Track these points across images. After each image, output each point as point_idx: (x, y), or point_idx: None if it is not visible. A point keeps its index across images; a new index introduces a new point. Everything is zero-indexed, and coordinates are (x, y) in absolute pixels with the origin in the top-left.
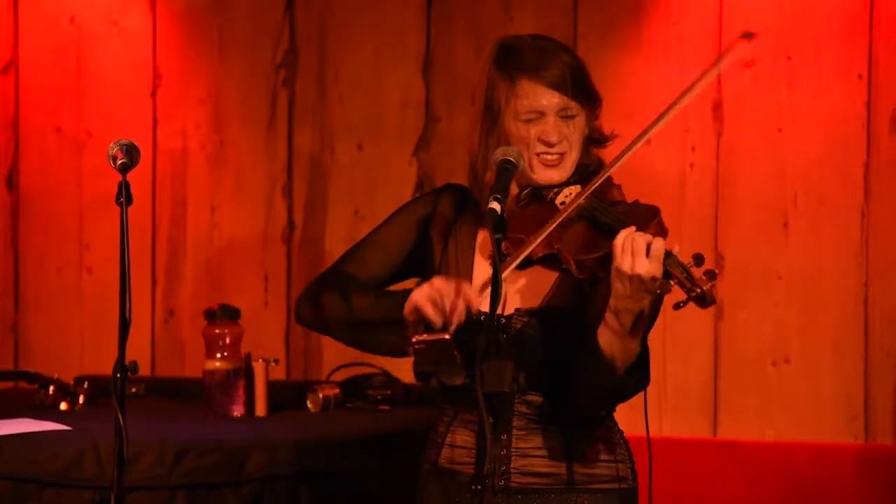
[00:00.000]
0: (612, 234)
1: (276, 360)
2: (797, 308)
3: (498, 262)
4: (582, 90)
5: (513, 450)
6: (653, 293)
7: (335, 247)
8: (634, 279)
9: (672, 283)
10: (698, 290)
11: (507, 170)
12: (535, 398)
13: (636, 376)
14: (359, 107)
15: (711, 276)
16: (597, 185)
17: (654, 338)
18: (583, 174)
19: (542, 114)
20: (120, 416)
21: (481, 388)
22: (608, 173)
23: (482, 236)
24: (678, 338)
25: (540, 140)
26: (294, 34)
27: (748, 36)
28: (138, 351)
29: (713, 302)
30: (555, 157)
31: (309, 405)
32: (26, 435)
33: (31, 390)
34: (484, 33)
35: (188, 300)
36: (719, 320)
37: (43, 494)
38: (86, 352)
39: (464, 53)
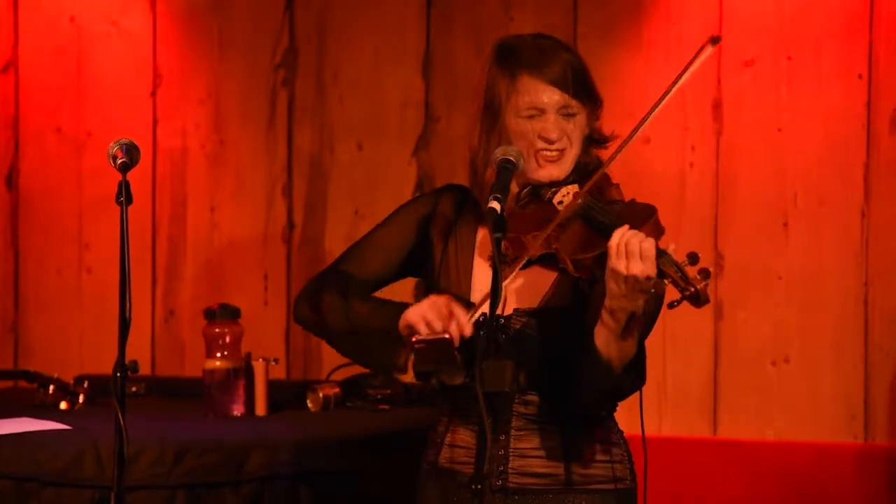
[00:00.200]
0: (609, 234)
1: (276, 360)
2: (797, 308)
3: (498, 262)
4: (583, 88)
5: (510, 450)
6: (647, 293)
7: (335, 246)
8: (629, 279)
9: (666, 282)
10: (692, 290)
11: (507, 169)
12: (533, 398)
13: (633, 375)
14: (358, 106)
15: (706, 274)
16: (592, 184)
17: (653, 337)
18: (582, 173)
19: (542, 111)
20: (120, 415)
21: (481, 388)
22: (600, 174)
23: (482, 235)
24: (678, 337)
25: (540, 137)
26: (294, 34)
27: (715, 41)
28: (138, 350)
29: (707, 301)
30: (555, 153)
31: (309, 404)
32: (26, 434)
33: (31, 390)
34: (484, 33)
35: (188, 300)
36: (719, 320)
37: (43, 494)
38: (86, 351)
39: (464, 53)
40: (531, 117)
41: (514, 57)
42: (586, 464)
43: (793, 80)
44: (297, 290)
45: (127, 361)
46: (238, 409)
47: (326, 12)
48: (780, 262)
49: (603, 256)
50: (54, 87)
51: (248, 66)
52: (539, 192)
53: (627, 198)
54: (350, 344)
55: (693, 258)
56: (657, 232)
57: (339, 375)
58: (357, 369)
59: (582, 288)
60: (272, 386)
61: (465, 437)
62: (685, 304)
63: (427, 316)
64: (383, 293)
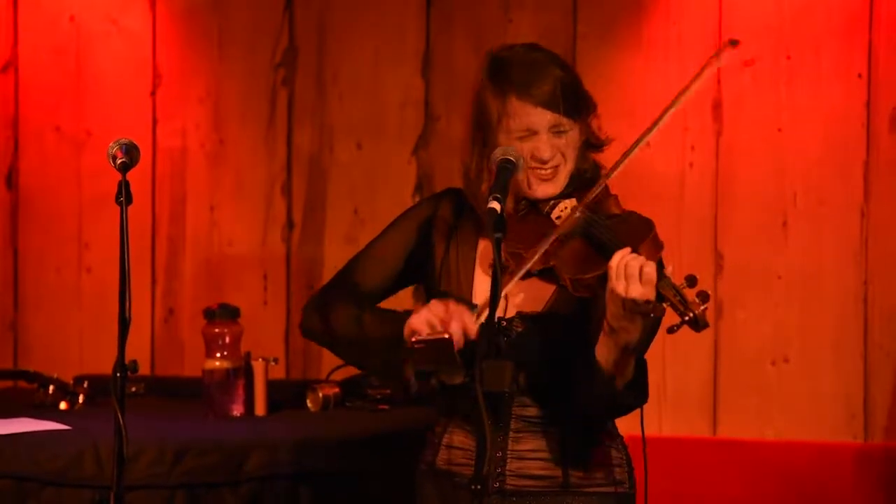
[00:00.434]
0: (608, 254)
1: (275, 360)
2: (797, 307)
3: (498, 262)
4: (574, 105)
5: (509, 452)
6: (646, 315)
7: (334, 246)
8: (628, 302)
9: (665, 306)
10: (691, 315)
11: (507, 169)
12: (533, 401)
13: (635, 391)
14: (358, 106)
15: (704, 298)
16: (590, 199)
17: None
18: (580, 182)
19: (534, 132)
20: (119, 415)
21: (481, 388)
22: (600, 188)
23: (482, 247)
24: (678, 337)
25: (533, 157)
26: (293, 33)
27: (734, 44)
28: (138, 350)
29: (706, 325)
30: (549, 171)
31: (308, 404)
32: (26, 434)
33: (30, 389)
34: (483, 33)
35: (188, 299)
36: (719, 320)
37: (42, 494)
38: (85, 351)
39: (463, 53)
40: (522, 138)
41: (505, 76)
42: (585, 466)
43: (792, 79)
44: (297, 289)
45: (126, 361)
46: (237, 409)
47: (326, 12)
48: (779, 261)
49: (602, 277)
50: (54, 87)
51: (248, 65)
52: (537, 206)
53: (626, 201)
54: (360, 354)
55: (691, 281)
56: (656, 248)
57: (339, 375)
58: (357, 369)
59: (584, 298)
60: (272, 386)
61: (462, 438)
62: (683, 328)
63: (430, 319)
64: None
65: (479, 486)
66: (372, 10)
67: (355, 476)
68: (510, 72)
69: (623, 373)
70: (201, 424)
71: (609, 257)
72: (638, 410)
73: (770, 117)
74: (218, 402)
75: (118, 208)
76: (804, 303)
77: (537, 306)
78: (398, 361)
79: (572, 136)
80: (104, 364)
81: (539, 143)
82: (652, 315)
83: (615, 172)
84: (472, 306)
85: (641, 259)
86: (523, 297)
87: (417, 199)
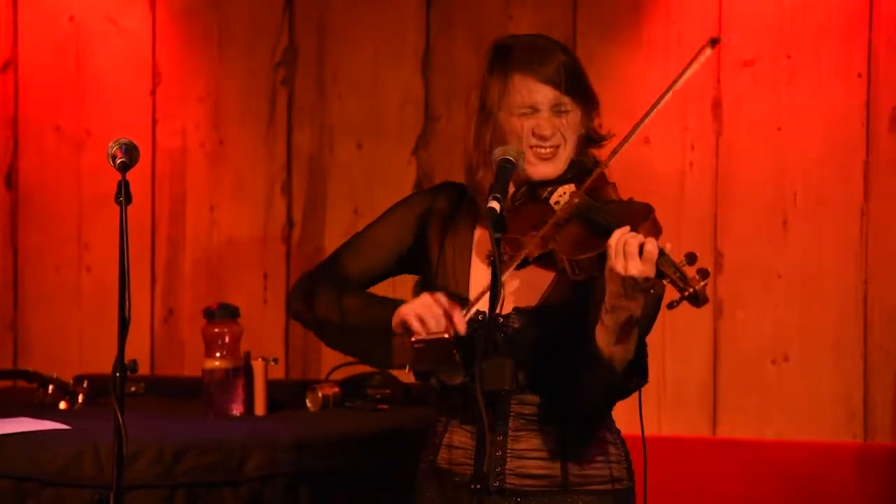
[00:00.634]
0: (606, 235)
1: (275, 359)
2: (797, 307)
3: (498, 262)
4: (576, 87)
5: (508, 451)
6: (646, 292)
7: (334, 245)
8: (628, 280)
9: (665, 282)
10: (691, 290)
11: (507, 168)
12: (532, 398)
13: (634, 374)
14: (358, 106)
15: (704, 274)
16: (589, 183)
17: (653, 336)
18: (578, 172)
19: (535, 109)
20: (119, 414)
21: (481, 387)
22: (597, 174)
23: (478, 235)
24: (678, 336)
25: (534, 134)
26: (293, 33)
27: (714, 42)
28: (137, 350)
29: (706, 300)
30: (548, 150)
31: (308, 404)
32: (25, 434)
33: (30, 389)
34: (483, 32)
35: (187, 299)
36: (719, 319)
37: (42, 493)
38: (85, 350)
39: (463, 52)
40: (524, 115)
41: (508, 56)
42: (584, 465)
43: (792, 79)
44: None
45: (126, 361)
46: (237, 409)
47: (326, 12)
48: (779, 261)
49: (601, 257)
50: (54, 86)
51: (248, 65)
52: (536, 192)
53: (625, 197)
54: (342, 339)
55: (691, 258)
56: (655, 231)
57: (339, 375)
58: (356, 369)
59: (581, 286)
60: (271, 385)
61: (462, 437)
62: (685, 304)
63: (420, 313)
64: (384, 290)
65: (478, 486)
66: (372, 10)
67: (355, 476)
68: (514, 53)
69: (623, 354)
70: (201, 424)
71: (607, 238)
72: (637, 409)
73: (770, 117)
74: (218, 402)
75: (118, 208)
76: (804, 302)
77: (533, 298)
78: (387, 349)
79: (573, 117)
80: (104, 364)
81: (540, 121)
82: (652, 292)
83: (613, 158)
84: (465, 303)
85: (640, 236)
86: (519, 285)
87: None
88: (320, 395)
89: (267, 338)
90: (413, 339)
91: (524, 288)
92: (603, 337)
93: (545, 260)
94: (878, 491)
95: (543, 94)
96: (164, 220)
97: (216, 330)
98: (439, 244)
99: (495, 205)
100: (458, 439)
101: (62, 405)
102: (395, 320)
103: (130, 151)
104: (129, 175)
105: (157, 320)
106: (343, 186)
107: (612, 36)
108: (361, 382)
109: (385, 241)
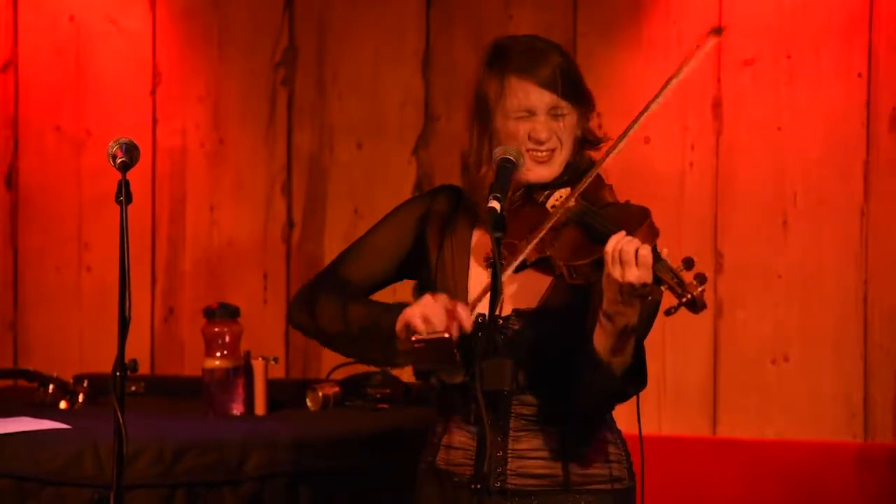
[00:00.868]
0: (603, 240)
1: (275, 359)
2: (797, 307)
3: (498, 261)
4: (573, 90)
5: (509, 451)
6: (644, 298)
7: (334, 245)
8: (625, 286)
9: (663, 288)
10: (689, 296)
11: (507, 168)
12: (532, 399)
13: (634, 378)
14: (358, 106)
15: (702, 280)
16: (584, 186)
17: (653, 336)
18: (574, 175)
19: (532, 112)
20: (119, 414)
21: (481, 386)
22: (592, 177)
23: (476, 237)
24: (678, 336)
25: (530, 137)
26: (293, 33)
27: (717, 32)
28: (138, 349)
29: (704, 307)
30: (545, 153)
31: (308, 404)
32: (26, 433)
33: (30, 388)
34: (483, 32)
35: (187, 298)
36: (719, 319)
37: (42, 493)
38: (85, 350)
39: (463, 52)
40: (521, 118)
41: (505, 59)
42: (584, 464)
43: (792, 79)
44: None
45: (126, 360)
46: (237, 409)
47: (326, 12)
48: (779, 261)
49: (598, 263)
50: (54, 86)
51: (248, 65)
52: (532, 195)
53: (625, 198)
54: (347, 346)
55: (688, 263)
56: (652, 235)
57: (339, 374)
58: (357, 368)
59: (580, 289)
60: (271, 385)
61: (462, 438)
62: (683, 310)
63: (424, 313)
64: (383, 296)
65: (479, 486)
66: (372, 9)
67: (355, 475)
68: (511, 55)
69: (622, 359)
70: (201, 423)
71: (605, 244)
72: (636, 410)
73: (770, 117)
74: (218, 402)
75: (118, 208)
76: (804, 302)
77: (532, 300)
78: (391, 353)
79: (570, 120)
80: (104, 363)
81: (537, 125)
82: (650, 298)
83: (608, 158)
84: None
85: (637, 242)
86: (517, 288)
87: None
88: (320, 394)
89: (267, 337)
90: (413, 338)
91: (523, 290)
92: (601, 341)
93: (542, 264)
94: (878, 491)
95: (540, 98)
96: (164, 220)
97: (216, 329)
98: (438, 246)
99: (495, 204)
100: (458, 440)
101: (62, 405)
102: (398, 324)
103: (131, 151)
104: (130, 175)
105: (157, 320)
106: (343, 186)
107: (612, 36)
108: (362, 382)
109: (385, 246)
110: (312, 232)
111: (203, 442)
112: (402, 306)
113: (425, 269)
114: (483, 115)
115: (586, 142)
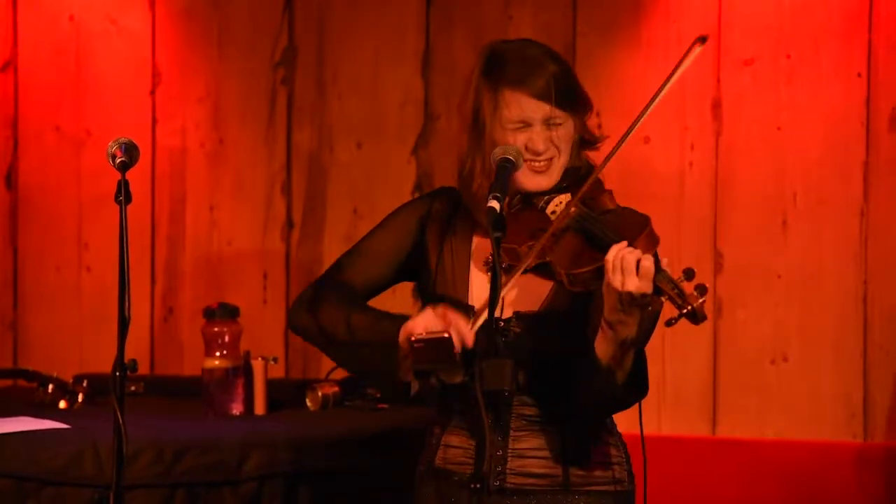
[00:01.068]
0: (604, 248)
1: (275, 359)
2: (796, 307)
3: (497, 261)
4: (568, 99)
5: (509, 450)
6: (643, 308)
7: (334, 245)
8: (625, 296)
9: (663, 299)
10: (689, 308)
11: (507, 168)
12: (533, 400)
13: (635, 385)
14: (358, 105)
15: (702, 291)
16: (583, 192)
17: (653, 336)
18: (573, 178)
19: (527, 123)
20: (119, 414)
21: (481, 386)
22: (592, 181)
23: (476, 243)
24: (677, 336)
25: (527, 149)
26: (293, 33)
27: (702, 40)
28: (137, 349)
29: (704, 318)
30: (542, 163)
31: (308, 403)
32: (25, 433)
33: (30, 388)
34: (483, 32)
35: (187, 298)
36: (718, 319)
37: (42, 493)
38: (85, 350)
39: (463, 52)
40: (517, 129)
41: (499, 69)
42: (585, 465)
43: (792, 78)
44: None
45: (126, 360)
46: (237, 408)
47: (326, 11)
48: (779, 261)
49: (598, 271)
50: (53, 86)
51: (248, 64)
52: (531, 200)
53: (625, 199)
54: (348, 355)
55: (689, 274)
56: (652, 243)
57: (339, 374)
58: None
59: (581, 294)
60: (271, 385)
61: (461, 438)
62: (682, 321)
63: (426, 325)
64: (383, 296)
65: (478, 485)
66: (372, 9)
67: (355, 475)
68: (505, 65)
69: (622, 367)
70: (201, 423)
71: (605, 252)
72: (637, 409)
73: (770, 117)
74: (217, 401)
75: (118, 208)
76: (804, 302)
77: (534, 304)
78: (392, 365)
79: (566, 128)
80: (104, 363)
81: (533, 135)
82: (649, 308)
83: (606, 164)
84: (468, 309)
85: (638, 252)
86: (518, 293)
87: None
88: (320, 394)
89: (267, 337)
90: (413, 338)
91: (524, 294)
92: (603, 348)
93: (543, 270)
94: (877, 491)
95: (535, 109)
96: (164, 220)
97: (216, 329)
98: (438, 248)
99: (495, 204)
100: (457, 440)
101: (62, 404)
102: (401, 336)
103: (130, 151)
104: (129, 175)
105: (156, 320)
106: (343, 186)
107: (611, 36)
108: (361, 382)
109: (386, 249)
110: (312, 232)
111: (203, 442)
112: (405, 318)
113: (425, 271)
114: (478, 126)
115: (585, 142)
